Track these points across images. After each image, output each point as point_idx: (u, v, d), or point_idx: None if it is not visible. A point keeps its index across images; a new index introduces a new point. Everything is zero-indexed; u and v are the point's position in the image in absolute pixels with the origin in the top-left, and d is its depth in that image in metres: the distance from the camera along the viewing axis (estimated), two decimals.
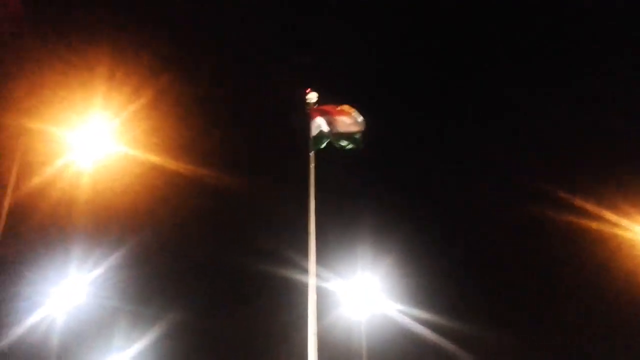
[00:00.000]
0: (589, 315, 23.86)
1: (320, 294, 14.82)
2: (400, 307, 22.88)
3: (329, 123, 15.82)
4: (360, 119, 15.60)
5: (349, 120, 15.63)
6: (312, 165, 15.10)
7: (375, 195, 28.51)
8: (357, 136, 15.53)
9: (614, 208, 21.34)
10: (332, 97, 16.85)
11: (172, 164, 22.46)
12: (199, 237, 26.18)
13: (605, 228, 21.32)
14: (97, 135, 17.80)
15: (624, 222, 20.70)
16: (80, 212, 20.90)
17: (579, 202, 22.36)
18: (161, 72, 23.39)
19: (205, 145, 25.37)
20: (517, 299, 26.07)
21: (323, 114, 16.13)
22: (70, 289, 19.93)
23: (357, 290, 21.88)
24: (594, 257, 22.63)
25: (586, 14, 28.75)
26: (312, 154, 15.33)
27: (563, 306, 24.83)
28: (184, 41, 26.10)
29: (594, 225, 21.74)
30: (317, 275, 13.49)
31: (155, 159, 21.62)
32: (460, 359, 22.75)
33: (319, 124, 15.96)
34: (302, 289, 13.66)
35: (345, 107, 15.92)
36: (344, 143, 15.55)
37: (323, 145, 15.64)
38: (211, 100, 27.19)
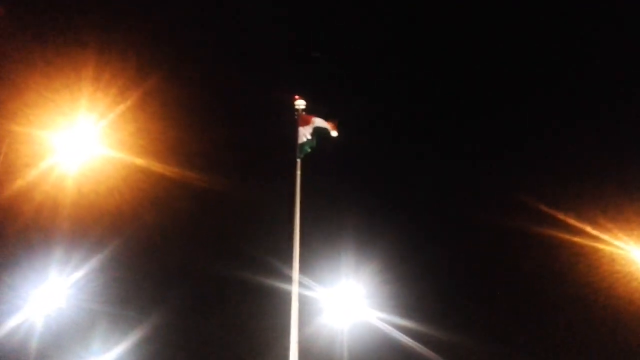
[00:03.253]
0: (569, 326, 24.12)
1: (303, 301, 14.88)
2: (382, 315, 22.92)
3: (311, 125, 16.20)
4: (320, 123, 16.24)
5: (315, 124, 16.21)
6: (298, 172, 15.25)
7: (359, 203, 28.51)
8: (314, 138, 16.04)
9: (594, 223, 21.66)
10: (320, 104, 17.06)
11: (158, 167, 22.36)
12: (183, 240, 26.05)
13: (586, 242, 21.62)
14: (82, 138, 17.68)
15: (604, 237, 21.02)
16: (64, 215, 20.69)
17: (560, 216, 22.61)
18: (148, 74, 23.24)
19: (192, 148, 25.25)
20: (500, 309, 26.27)
21: (309, 121, 16.35)
22: (50, 292, 19.72)
23: (339, 298, 21.90)
24: (574, 270, 22.90)
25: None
26: (298, 160, 15.49)
27: (545, 318, 25.07)
28: (172, 42, 25.97)
29: (575, 239, 22.01)
30: (300, 283, 13.58)
31: (141, 161, 21.52)
32: None
33: (305, 132, 16.17)
34: (285, 297, 13.71)
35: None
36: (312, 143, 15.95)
37: (307, 152, 15.88)
38: (198, 103, 27.08)
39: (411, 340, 22.79)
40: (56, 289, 19.93)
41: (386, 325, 22.83)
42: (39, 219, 20.46)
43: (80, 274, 20.83)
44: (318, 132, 16.21)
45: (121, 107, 20.32)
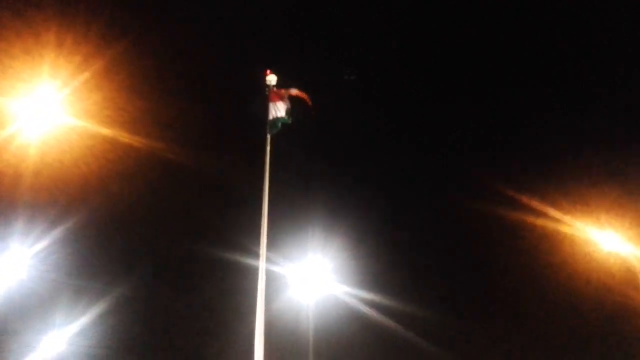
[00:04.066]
0: (530, 304, 24.88)
1: (270, 276, 14.90)
2: (348, 289, 23.15)
3: (283, 100, 15.95)
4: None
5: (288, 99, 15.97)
6: (268, 148, 15.10)
7: (326, 179, 28.60)
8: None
9: (556, 206, 22.20)
10: (291, 79, 16.79)
11: (125, 137, 21.84)
12: (150, 213, 25.73)
13: (549, 224, 22.17)
14: (44, 106, 17.14)
15: (566, 219, 21.58)
16: (26, 185, 20.18)
17: (524, 198, 23.11)
18: (114, 41, 22.49)
19: (159, 119, 24.70)
20: (462, 286, 26.90)
21: (280, 97, 16.09)
22: (11, 263, 19.34)
23: (306, 273, 22.00)
24: (537, 251, 23.54)
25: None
26: (269, 136, 15.33)
27: (507, 296, 25.74)
28: (139, 9, 25.17)
29: (538, 221, 22.55)
30: (267, 258, 13.55)
31: (106, 131, 20.98)
32: (407, 341, 23.28)
33: (276, 108, 15.92)
34: (252, 272, 13.70)
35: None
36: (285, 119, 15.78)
37: (279, 127, 15.69)
38: (167, 73, 26.48)
39: (377, 313, 23.16)
40: (17, 260, 19.57)
41: (352, 299, 23.10)
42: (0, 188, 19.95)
43: (42, 245, 20.46)
44: (293, 102, 15.99)
45: (86, 75, 19.69)
